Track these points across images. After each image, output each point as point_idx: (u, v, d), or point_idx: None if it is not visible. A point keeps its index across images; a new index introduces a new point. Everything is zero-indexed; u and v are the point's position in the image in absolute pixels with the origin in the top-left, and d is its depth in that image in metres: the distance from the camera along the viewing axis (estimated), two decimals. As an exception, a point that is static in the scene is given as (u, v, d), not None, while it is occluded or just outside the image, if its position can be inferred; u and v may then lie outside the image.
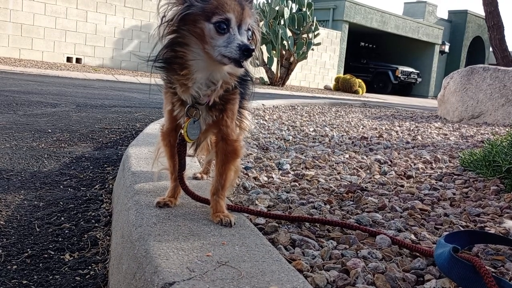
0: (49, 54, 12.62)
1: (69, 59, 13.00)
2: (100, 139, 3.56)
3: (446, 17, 28.91)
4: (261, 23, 15.09)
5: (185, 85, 1.41)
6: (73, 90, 7.12)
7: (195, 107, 1.45)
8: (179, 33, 1.37)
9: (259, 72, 16.30)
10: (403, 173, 2.58)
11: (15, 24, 11.91)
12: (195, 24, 1.34)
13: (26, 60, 11.79)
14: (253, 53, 1.30)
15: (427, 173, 2.63)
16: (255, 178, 2.25)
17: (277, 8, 15.06)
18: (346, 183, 2.26)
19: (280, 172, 2.47)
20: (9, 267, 1.44)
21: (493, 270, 1.30)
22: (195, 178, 1.94)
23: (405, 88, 25.17)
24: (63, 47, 12.85)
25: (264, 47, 15.44)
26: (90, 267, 1.48)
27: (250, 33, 1.36)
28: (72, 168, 2.65)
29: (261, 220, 1.58)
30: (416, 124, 5.94)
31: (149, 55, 1.42)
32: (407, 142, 3.91)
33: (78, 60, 13.18)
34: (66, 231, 1.75)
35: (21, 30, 12.03)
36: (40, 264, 1.48)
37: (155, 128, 3.24)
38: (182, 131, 1.48)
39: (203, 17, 1.33)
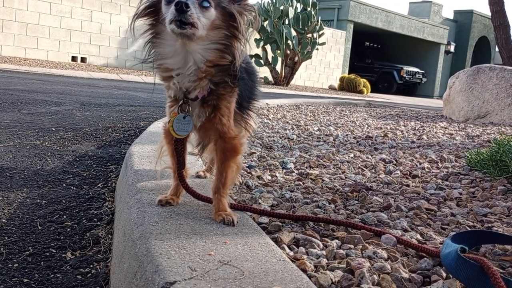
0: (54, 54, 12.67)
1: (74, 59, 13.05)
2: (104, 138, 3.55)
3: (451, 17, 28.79)
4: (266, 23, 15.09)
5: (167, 77, 1.42)
6: (78, 89, 7.13)
7: (187, 103, 1.43)
8: (154, 27, 1.40)
9: (264, 72, 16.29)
10: (408, 173, 2.55)
11: (21, 24, 11.96)
12: (160, 10, 1.35)
13: (31, 59, 11.84)
14: (188, 10, 1.22)
15: (433, 172, 2.60)
16: (258, 177, 2.23)
17: (281, 7, 15.03)
18: (350, 182, 2.23)
19: (284, 171, 2.45)
20: (10, 265, 1.42)
21: (501, 270, 1.28)
22: (198, 176, 1.92)
23: (410, 88, 25.06)
24: (68, 46, 12.90)
25: (268, 47, 15.42)
26: (91, 266, 1.47)
27: (207, 3, 1.29)
28: (75, 166, 2.64)
29: (265, 219, 1.56)
30: (422, 123, 5.89)
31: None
32: (413, 142, 3.87)
33: (83, 60, 13.23)
34: (68, 230, 1.73)
35: (27, 30, 12.08)
36: (42, 263, 1.46)
37: (158, 126, 3.22)
38: (168, 126, 1.47)
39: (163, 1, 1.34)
